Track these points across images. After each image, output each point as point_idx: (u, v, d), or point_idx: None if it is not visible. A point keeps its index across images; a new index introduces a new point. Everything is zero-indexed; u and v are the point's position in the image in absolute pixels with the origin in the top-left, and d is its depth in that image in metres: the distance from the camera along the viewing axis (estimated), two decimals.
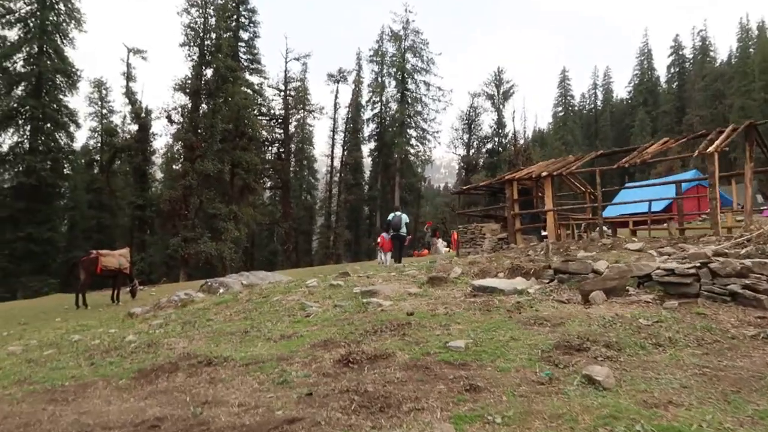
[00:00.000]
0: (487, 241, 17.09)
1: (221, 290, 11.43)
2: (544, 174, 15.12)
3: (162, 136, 58.24)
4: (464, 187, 19.39)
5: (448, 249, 31.38)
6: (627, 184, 27.09)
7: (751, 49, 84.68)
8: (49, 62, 45.14)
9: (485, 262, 13.94)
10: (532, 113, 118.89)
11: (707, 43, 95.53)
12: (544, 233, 18.02)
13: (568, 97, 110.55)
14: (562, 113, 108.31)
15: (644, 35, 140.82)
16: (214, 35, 45.06)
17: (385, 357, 4.47)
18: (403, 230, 17.66)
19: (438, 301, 6.84)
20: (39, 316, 14.77)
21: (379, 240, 20.10)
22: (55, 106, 46.13)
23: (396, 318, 5.87)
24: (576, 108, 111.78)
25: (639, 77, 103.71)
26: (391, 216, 18.26)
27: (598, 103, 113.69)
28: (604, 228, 17.93)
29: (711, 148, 12.04)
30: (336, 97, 67.83)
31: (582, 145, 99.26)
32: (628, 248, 12.26)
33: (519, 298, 6.58)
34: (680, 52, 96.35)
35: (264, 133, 56.56)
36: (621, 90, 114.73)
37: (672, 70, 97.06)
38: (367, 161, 76.61)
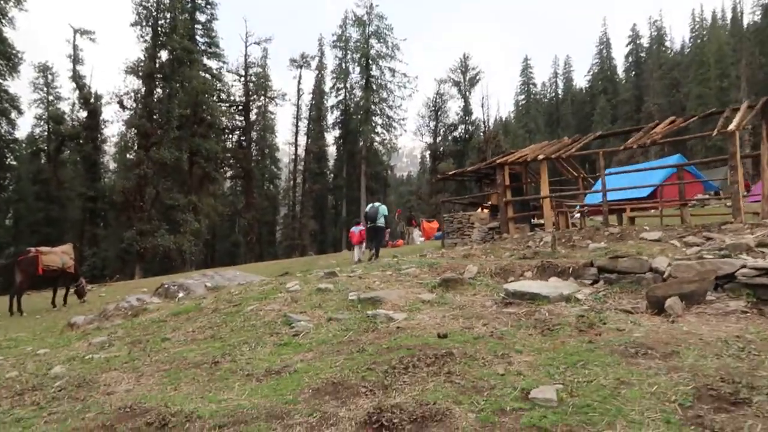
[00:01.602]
0: (476, 230, 15.68)
1: (180, 294, 9.66)
2: (540, 157, 13.73)
3: (113, 123, 54.70)
4: (450, 173, 17.95)
5: (422, 238, 30.02)
6: (608, 171, 26.11)
7: (704, 39, 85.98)
8: None
9: (481, 255, 12.51)
10: (494, 101, 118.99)
11: (662, 32, 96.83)
12: (535, 222, 16.76)
13: (531, 86, 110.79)
14: (525, 101, 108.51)
15: (603, 24, 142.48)
16: (168, 15, 42.17)
17: (438, 418, 2.89)
18: (381, 221, 16.50)
19: (467, 313, 5.30)
20: None
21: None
22: None
23: (425, 342, 4.30)
24: (538, 96, 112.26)
25: (598, 66, 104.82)
26: (368, 207, 17.24)
27: (559, 91, 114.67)
28: (594, 218, 16.77)
29: (732, 126, 10.84)
30: (299, 83, 65.70)
31: (544, 133, 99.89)
32: (645, 238, 11.00)
33: (573, 308, 5.10)
34: (637, 42, 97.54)
35: (224, 120, 53.92)
36: (581, 79, 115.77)
37: (630, 59, 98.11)
38: (332, 150, 74.68)
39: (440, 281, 6.69)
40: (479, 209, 28.69)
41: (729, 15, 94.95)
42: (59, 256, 14.91)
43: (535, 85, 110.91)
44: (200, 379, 4.27)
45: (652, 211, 19.43)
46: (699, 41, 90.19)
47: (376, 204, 17.03)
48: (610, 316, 4.65)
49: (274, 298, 7.30)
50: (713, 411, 2.76)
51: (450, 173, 17.85)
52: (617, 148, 13.34)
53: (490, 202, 18.26)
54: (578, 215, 17.25)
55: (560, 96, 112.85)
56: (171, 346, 5.81)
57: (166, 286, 10.38)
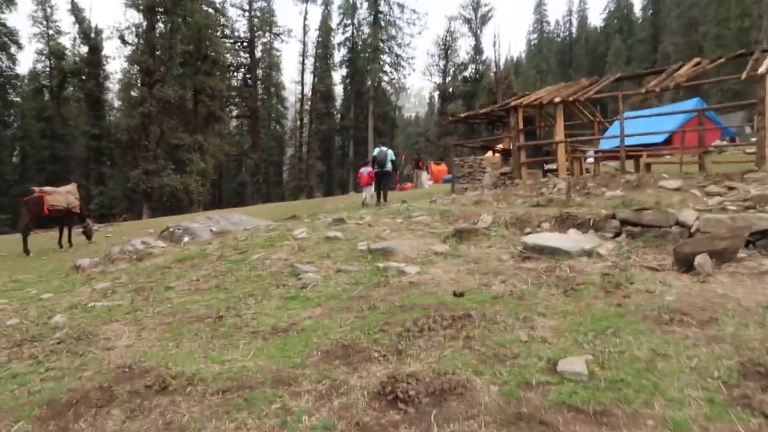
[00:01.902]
0: (487, 175, 15.31)
1: (186, 239, 9.46)
2: (556, 100, 13.17)
3: (116, 59, 53.68)
4: (462, 115, 17.38)
5: (431, 182, 29.66)
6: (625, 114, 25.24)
7: None
8: None
9: (492, 201, 12.20)
10: (505, 41, 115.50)
11: None
12: (547, 167, 16.34)
13: (544, 23, 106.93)
14: (537, 40, 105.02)
15: None
16: None
17: (458, 391, 2.67)
18: (388, 166, 16.46)
19: (482, 268, 5.04)
20: None
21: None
22: None
23: (440, 301, 4.05)
24: (551, 35, 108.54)
25: (615, 3, 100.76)
26: (375, 151, 17.04)
27: (573, 30, 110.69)
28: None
29: (762, 69, 10.24)
30: (305, 18, 63.58)
31: (556, 74, 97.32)
32: (664, 186, 10.62)
33: (596, 265, 4.83)
34: None
35: (228, 57, 52.60)
36: (596, 18, 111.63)
37: None
38: (339, 89, 73.20)
39: (453, 231, 6.41)
40: (488, 153, 28.19)
41: None
42: (64, 196, 14.73)
43: (548, 23, 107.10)
44: (203, 336, 4.07)
45: (668, 157, 18.88)
46: None
47: (384, 148, 16.85)
48: (637, 275, 4.36)
49: (280, 245, 7.07)
50: (761, 390, 2.52)
51: (462, 115, 17.31)
52: (638, 91, 12.76)
53: (501, 146, 17.80)
54: (591, 161, 16.78)
55: (574, 35, 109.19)
56: (174, 296, 5.63)
57: (171, 229, 10.18)
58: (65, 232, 14.98)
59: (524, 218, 6.81)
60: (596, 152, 16.39)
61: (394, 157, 16.82)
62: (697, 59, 12.67)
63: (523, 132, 14.39)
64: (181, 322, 4.50)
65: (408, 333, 3.45)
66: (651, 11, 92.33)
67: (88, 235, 15.11)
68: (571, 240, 5.47)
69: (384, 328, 3.59)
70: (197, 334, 4.12)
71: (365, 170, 17.99)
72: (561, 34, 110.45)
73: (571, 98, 13.02)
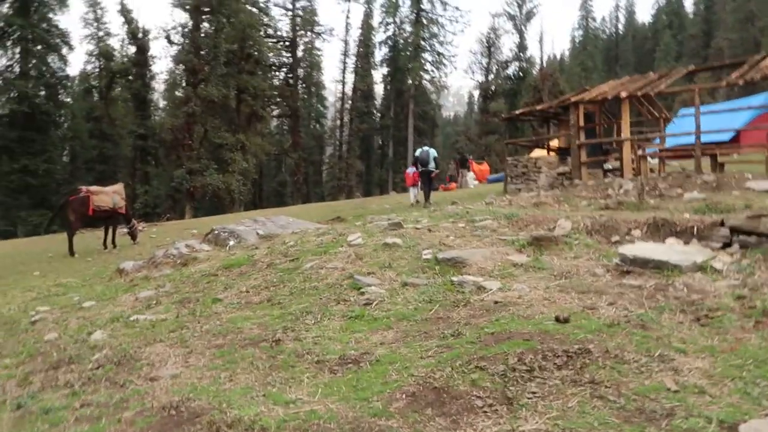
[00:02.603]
0: (543, 175, 14.44)
1: (231, 242, 8.98)
2: (623, 95, 12.23)
3: (162, 59, 54.46)
4: (517, 112, 16.49)
5: (476, 182, 28.80)
6: (682, 111, 23.86)
7: None
8: None
9: (553, 203, 11.39)
10: (549, 37, 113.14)
11: None
12: (607, 166, 15.38)
13: (590, 20, 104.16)
14: (582, 37, 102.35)
15: None
16: None
17: None
18: (432, 165, 16.25)
19: (577, 284, 4.31)
20: (17, 267, 12.47)
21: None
22: (45, 26, 42.48)
23: (541, 328, 3.35)
24: (597, 32, 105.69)
25: None
26: (418, 151, 16.88)
27: (620, 26, 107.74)
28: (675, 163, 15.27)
29: None
30: (347, 17, 63.38)
31: (601, 72, 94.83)
32: (752, 188, 9.64)
33: (718, 283, 4.06)
34: None
35: (271, 56, 52.67)
36: (644, 13, 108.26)
37: None
38: (379, 89, 72.70)
39: (530, 239, 5.69)
40: (534, 151, 27.13)
41: None
42: (110, 196, 14.55)
43: (594, 19, 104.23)
44: (260, 365, 3.48)
45: (735, 156, 17.63)
46: None
47: (426, 147, 16.63)
48: None
49: (335, 252, 6.47)
50: None
51: (517, 112, 16.44)
52: (718, 83, 11.70)
53: (556, 144, 16.91)
54: (655, 160, 15.71)
55: (621, 32, 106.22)
56: (223, 310, 5.08)
57: (216, 232, 9.73)
58: (110, 232, 14.80)
59: (609, 225, 6.03)
60: (661, 150, 15.30)
61: (436, 155, 16.59)
62: None
63: (584, 129, 13.47)
64: (233, 346, 3.93)
65: (514, 373, 2.78)
66: (703, 6, 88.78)
67: (133, 235, 14.91)
68: (676, 252, 4.69)
69: (480, 364, 2.92)
70: (253, 363, 3.54)
71: (411, 170, 17.69)
72: (607, 30, 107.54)
73: (639, 93, 12.06)
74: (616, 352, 2.85)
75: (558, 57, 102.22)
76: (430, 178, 16.56)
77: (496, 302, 4.06)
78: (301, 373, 3.26)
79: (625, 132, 12.52)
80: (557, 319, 3.43)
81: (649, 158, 17.79)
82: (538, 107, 15.43)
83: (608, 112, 15.57)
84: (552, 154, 16.53)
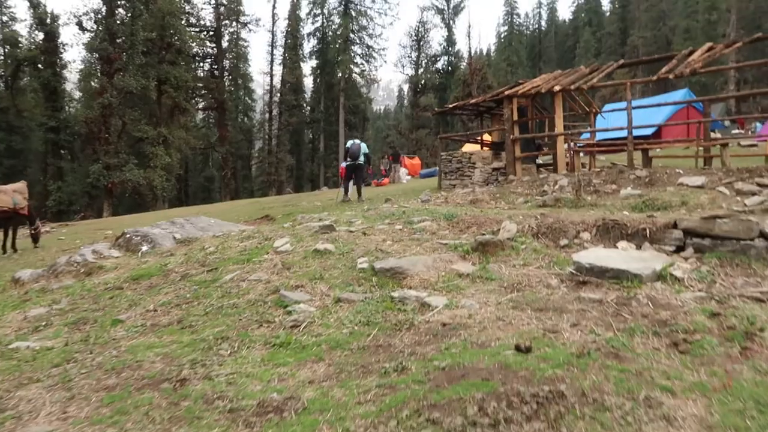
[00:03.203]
0: (477, 171, 14.16)
1: (144, 248, 8.05)
2: (556, 88, 12.08)
3: (74, 47, 50.83)
4: (450, 106, 16.16)
5: (409, 176, 28.49)
6: (605, 107, 24.47)
7: None
8: None
9: (490, 200, 11.10)
10: (475, 32, 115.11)
11: None
12: (538, 161, 15.34)
13: (514, 16, 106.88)
14: (507, 33, 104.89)
15: None
16: None
17: None
18: (361, 159, 15.73)
19: (531, 299, 3.85)
20: None
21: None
22: None
23: (498, 358, 2.83)
24: (521, 28, 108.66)
25: None
26: (348, 143, 16.29)
27: (543, 23, 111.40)
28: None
29: None
30: (274, 7, 62.04)
31: (526, 67, 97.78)
32: (685, 183, 9.63)
33: (683, 294, 3.70)
34: None
35: (194, 46, 50.39)
36: (565, 10, 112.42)
37: None
38: (309, 81, 71.39)
39: (475, 244, 5.21)
40: (465, 146, 27.05)
41: None
42: (10, 195, 13.07)
43: (518, 15, 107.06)
44: (157, 417, 2.77)
45: (658, 150, 18.13)
46: None
47: (357, 141, 16.14)
48: (756, 315, 3.22)
49: (259, 261, 5.77)
50: None
51: (450, 106, 16.12)
52: (649, 78, 11.73)
53: (489, 139, 16.73)
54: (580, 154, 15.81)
55: (543, 28, 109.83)
56: (123, 336, 4.30)
57: (128, 236, 8.75)
58: (10, 235, 13.33)
59: (557, 227, 5.64)
60: (590, 145, 15.41)
61: (367, 150, 16.10)
62: (709, 44, 11.70)
63: (518, 124, 13.27)
64: (126, 388, 3.19)
65: (475, 429, 2.23)
66: (619, 5, 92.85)
67: (35, 238, 13.51)
68: (633, 258, 4.32)
69: (433, 416, 2.35)
70: (148, 414, 2.82)
71: (345, 164, 16.97)
72: (531, 26, 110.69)
73: (572, 87, 11.95)
74: (594, 396, 2.36)
75: (484, 52, 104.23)
76: (360, 171, 15.99)
77: (444, 324, 3.52)
78: (209, 429, 2.59)
79: (559, 126, 12.40)
80: (518, 348, 2.93)
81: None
82: (472, 101, 15.15)
83: (540, 107, 15.51)
84: (486, 149, 16.33)
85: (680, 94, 22.91)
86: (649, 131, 20.70)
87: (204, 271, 5.80)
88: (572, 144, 13.10)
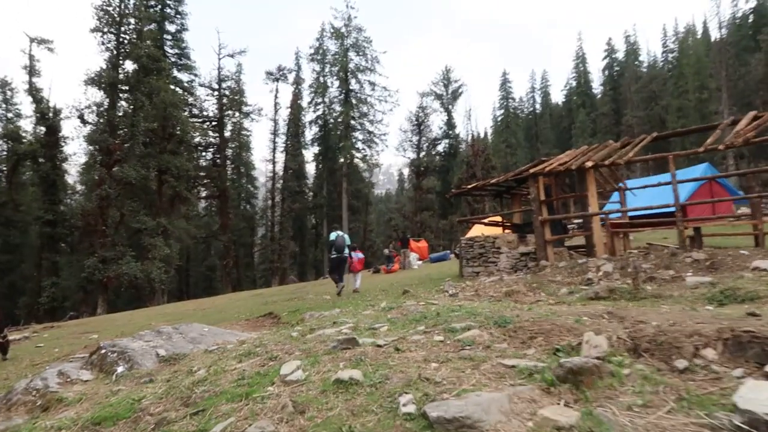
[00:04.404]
0: (503, 256, 12.79)
1: (120, 369, 6.55)
2: (588, 164, 10.95)
3: (74, 140, 51.29)
4: (468, 186, 15.03)
5: (420, 262, 27.08)
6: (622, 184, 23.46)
7: (685, 51, 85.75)
8: None
9: (527, 291, 9.63)
10: (472, 115, 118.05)
11: (637, 47, 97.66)
12: (568, 244, 13.99)
13: (510, 100, 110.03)
14: (503, 116, 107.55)
15: (578, 39, 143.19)
16: (132, 21, 38.83)
17: None
18: (347, 251, 15.69)
19: None
20: None
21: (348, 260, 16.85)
22: None
23: None
24: (517, 111, 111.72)
25: (576, 80, 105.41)
26: (333, 235, 15.89)
27: (537, 106, 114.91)
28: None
29: None
30: (276, 96, 62.75)
31: (524, 148, 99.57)
32: (761, 267, 8.25)
33: None
34: (613, 56, 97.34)
35: (196, 136, 50.55)
36: (558, 93, 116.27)
37: (606, 73, 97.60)
38: (311, 167, 71.72)
39: (562, 373, 3.74)
40: (470, 229, 25.78)
41: (699, 29, 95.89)
42: None
43: (513, 99, 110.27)
44: None
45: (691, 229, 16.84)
46: (674, 55, 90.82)
47: (341, 232, 15.89)
48: None
49: (261, 397, 4.28)
50: None
51: (469, 186, 15.00)
52: (695, 150, 10.56)
53: (501, 221, 15.48)
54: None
55: (538, 111, 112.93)
56: None
57: (104, 351, 7.26)
58: None
59: (662, 340, 4.19)
60: (620, 224, 14.12)
61: (350, 242, 16.07)
62: (753, 113, 10.67)
63: (545, 204, 12.04)
64: None
65: None
66: (610, 87, 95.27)
67: (2, 349, 11.95)
68: None
69: None
70: None
71: (355, 256, 16.24)
72: (525, 109, 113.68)
73: (607, 162, 10.81)
74: None
75: (482, 134, 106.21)
76: (344, 264, 15.93)
77: None
78: None
79: (593, 205, 11.17)
80: None
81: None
82: (492, 181, 14.03)
83: (562, 185, 14.39)
84: (507, 231, 15.04)
85: (701, 169, 21.93)
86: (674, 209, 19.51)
87: (187, 414, 4.28)
88: (608, 224, 11.79)
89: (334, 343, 5.56)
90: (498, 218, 17.46)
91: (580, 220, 15.18)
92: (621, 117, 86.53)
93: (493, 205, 48.77)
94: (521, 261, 12.39)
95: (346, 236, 15.89)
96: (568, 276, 10.29)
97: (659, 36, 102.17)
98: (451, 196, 17.88)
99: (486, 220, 16.58)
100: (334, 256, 15.59)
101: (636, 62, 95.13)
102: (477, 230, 24.24)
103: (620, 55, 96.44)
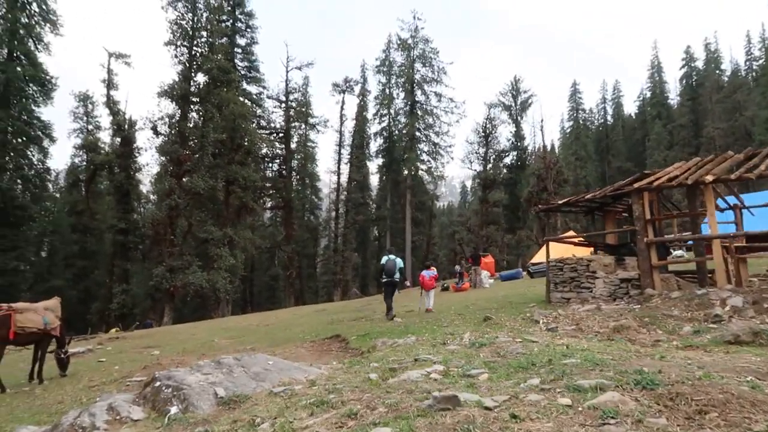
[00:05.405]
0: (599, 282, 11.31)
1: (173, 409, 5.69)
2: (708, 179, 9.38)
3: (148, 150, 52.90)
4: (559, 202, 13.65)
5: (491, 280, 25.59)
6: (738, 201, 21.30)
7: (759, 62, 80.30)
8: (19, 68, 39.61)
9: (639, 327, 8.19)
10: (543, 128, 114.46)
11: (718, 55, 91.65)
12: (674, 269, 12.31)
13: (580, 111, 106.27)
14: (573, 127, 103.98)
15: (653, 48, 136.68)
16: (205, 34, 39.48)
17: None
18: (397, 276, 15.13)
19: None
20: None
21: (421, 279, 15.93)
22: (25, 117, 40.66)
23: None
24: (587, 122, 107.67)
25: (650, 90, 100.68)
26: (384, 259, 15.36)
27: (609, 117, 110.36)
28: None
29: None
30: (342, 108, 62.63)
31: (594, 161, 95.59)
32: None
33: None
34: (692, 65, 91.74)
35: (263, 147, 50.96)
36: (630, 104, 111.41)
37: (684, 83, 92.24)
38: (375, 179, 71.27)
39: None
40: (542, 249, 24.05)
41: None
42: (41, 314, 11.27)
43: (584, 110, 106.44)
44: None
45: None
46: (761, 62, 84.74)
47: (392, 256, 15.50)
48: None
49: None
50: None
51: (560, 202, 13.60)
52: None
53: (597, 242, 13.91)
54: (679, 252, 12.68)
55: (609, 122, 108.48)
56: None
57: (158, 384, 6.45)
58: (40, 359, 11.38)
59: None
60: (738, 248, 12.29)
61: (402, 265, 15.47)
62: None
63: (651, 223, 10.51)
64: None
65: None
66: (688, 97, 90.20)
67: (62, 364, 11.50)
68: None
69: None
70: None
71: (427, 273, 15.09)
72: (596, 121, 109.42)
73: (733, 177, 9.23)
74: None
75: (549, 147, 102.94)
76: (394, 289, 15.37)
77: None
78: None
79: (713, 226, 9.58)
80: None
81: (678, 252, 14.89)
82: (588, 196, 12.57)
83: (666, 201, 12.75)
84: (601, 253, 13.47)
85: None
86: None
87: None
88: (732, 248, 10.07)
89: (427, 398, 4.43)
90: (579, 237, 15.94)
91: (689, 243, 13.47)
92: (701, 129, 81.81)
93: (565, 221, 46.43)
94: (621, 288, 10.87)
95: (398, 260, 15.29)
96: (686, 310, 8.75)
97: (742, 43, 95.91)
98: (539, 212, 16.43)
99: (576, 240, 14.99)
100: (384, 280, 15.17)
101: (717, 71, 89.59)
102: (555, 250, 22.54)
103: (699, 63, 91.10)
